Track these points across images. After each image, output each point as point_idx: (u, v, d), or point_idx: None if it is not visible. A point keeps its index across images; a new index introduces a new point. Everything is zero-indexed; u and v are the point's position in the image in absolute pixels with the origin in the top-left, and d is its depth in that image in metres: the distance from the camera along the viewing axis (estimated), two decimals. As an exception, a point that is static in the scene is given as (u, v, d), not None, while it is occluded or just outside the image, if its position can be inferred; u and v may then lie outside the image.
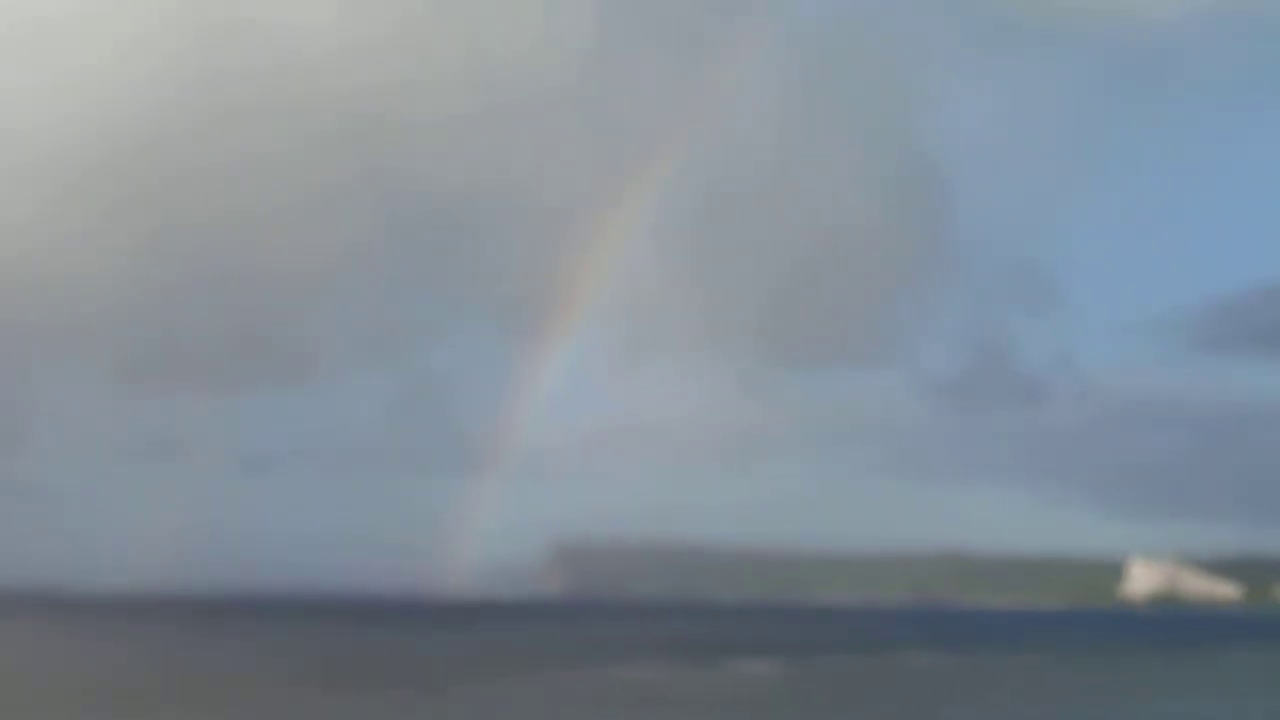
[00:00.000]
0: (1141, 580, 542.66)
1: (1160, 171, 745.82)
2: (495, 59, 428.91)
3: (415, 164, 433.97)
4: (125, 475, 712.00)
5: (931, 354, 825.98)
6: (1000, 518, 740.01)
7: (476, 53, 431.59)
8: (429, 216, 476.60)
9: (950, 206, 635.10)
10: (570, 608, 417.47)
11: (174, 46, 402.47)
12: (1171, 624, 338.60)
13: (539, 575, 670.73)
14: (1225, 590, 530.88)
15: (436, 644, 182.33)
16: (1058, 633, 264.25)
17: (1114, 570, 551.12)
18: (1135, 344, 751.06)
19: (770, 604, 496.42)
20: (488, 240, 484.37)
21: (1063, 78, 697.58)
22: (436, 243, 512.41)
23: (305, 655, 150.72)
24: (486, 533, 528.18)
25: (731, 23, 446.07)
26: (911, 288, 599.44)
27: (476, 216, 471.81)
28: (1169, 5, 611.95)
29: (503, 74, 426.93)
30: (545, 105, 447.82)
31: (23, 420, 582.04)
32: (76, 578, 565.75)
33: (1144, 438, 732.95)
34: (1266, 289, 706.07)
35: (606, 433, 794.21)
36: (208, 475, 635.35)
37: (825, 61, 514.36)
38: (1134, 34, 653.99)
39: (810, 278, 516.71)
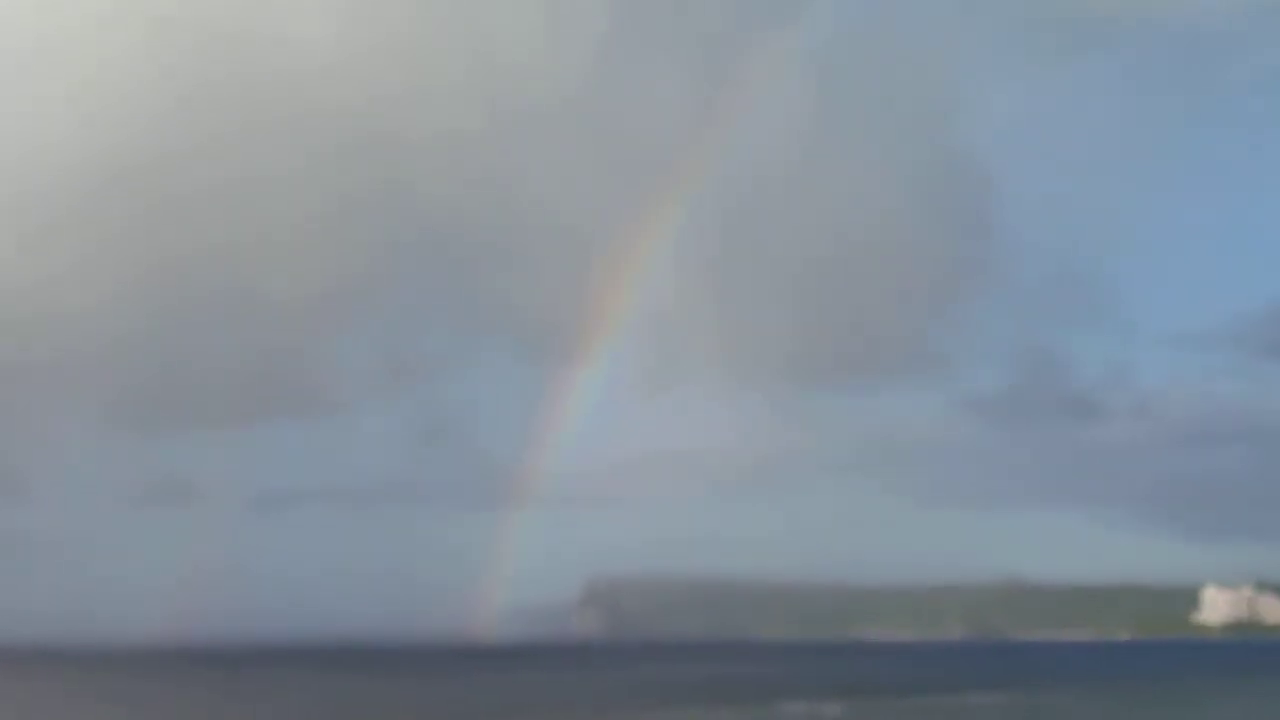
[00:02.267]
0: (1217, 607, 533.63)
1: (1217, 171, 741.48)
2: (501, 70, 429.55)
3: (422, 181, 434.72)
4: (131, 521, 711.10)
5: (976, 370, 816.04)
6: (1058, 543, 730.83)
7: (482, 65, 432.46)
8: (438, 237, 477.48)
9: (993, 213, 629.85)
10: (606, 649, 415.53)
11: (166, 61, 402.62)
12: (1253, 653, 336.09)
13: (572, 615, 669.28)
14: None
15: (465, 691, 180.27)
16: (1129, 666, 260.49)
17: (1186, 597, 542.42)
18: (1195, 355, 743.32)
19: (816, 641, 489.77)
20: (503, 262, 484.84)
21: (1110, 73, 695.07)
22: (448, 265, 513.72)
23: (326, 707, 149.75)
24: (514, 571, 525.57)
25: (754, 26, 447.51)
26: (953, 300, 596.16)
27: (490, 237, 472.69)
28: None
29: (510, 85, 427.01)
30: (555, 118, 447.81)
31: (21, 467, 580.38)
32: (84, 630, 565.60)
33: (1209, 454, 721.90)
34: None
35: (635, 463, 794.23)
36: (218, 517, 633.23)
37: (853, 64, 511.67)
38: (1186, 24, 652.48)
39: (843, 292, 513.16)
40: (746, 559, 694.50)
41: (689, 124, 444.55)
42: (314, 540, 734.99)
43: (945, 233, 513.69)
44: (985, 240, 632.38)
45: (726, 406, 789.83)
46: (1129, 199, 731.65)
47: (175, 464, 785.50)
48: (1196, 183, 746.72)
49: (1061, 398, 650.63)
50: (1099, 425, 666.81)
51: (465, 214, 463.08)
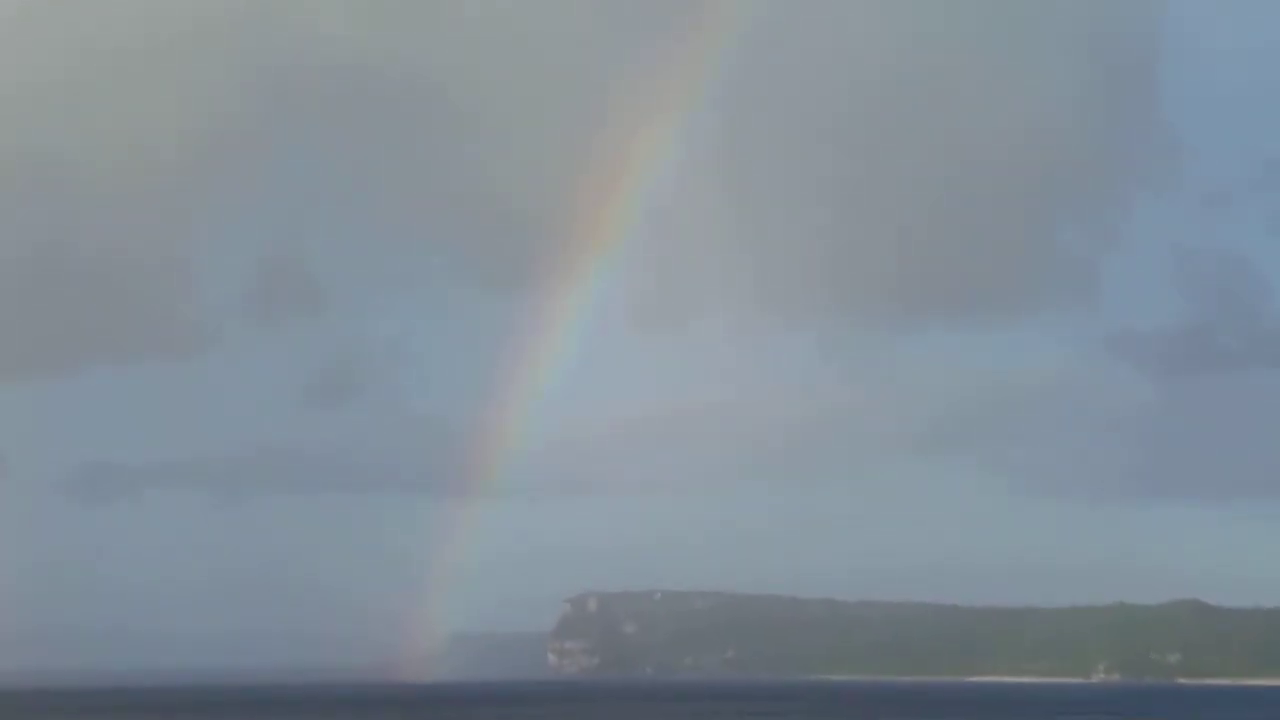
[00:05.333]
0: None
1: None
2: None
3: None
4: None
5: (1125, 296, 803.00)
6: (1253, 551, 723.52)
7: None
8: (335, 80, 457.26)
9: (1156, 64, 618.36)
10: (592, 693, 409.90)
11: None
12: None
13: (546, 647, 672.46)
14: None
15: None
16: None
17: None
18: None
19: (904, 687, 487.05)
20: (435, 122, 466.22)
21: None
22: (352, 126, 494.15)
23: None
24: (466, 585, 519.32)
25: None
26: (1096, 194, 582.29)
27: (416, 81, 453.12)
28: None
29: None
30: None
31: None
32: None
33: None
34: None
35: (633, 432, 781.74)
36: (22, 501, 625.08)
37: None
38: None
39: (938, 182, 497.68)
40: (797, 569, 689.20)
41: None
42: (166, 535, 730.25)
43: (1087, 89, 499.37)
44: (1149, 115, 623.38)
45: (760, 351, 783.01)
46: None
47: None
48: None
49: (1255, 339, 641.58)
50: None
51: (375, 46, 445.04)
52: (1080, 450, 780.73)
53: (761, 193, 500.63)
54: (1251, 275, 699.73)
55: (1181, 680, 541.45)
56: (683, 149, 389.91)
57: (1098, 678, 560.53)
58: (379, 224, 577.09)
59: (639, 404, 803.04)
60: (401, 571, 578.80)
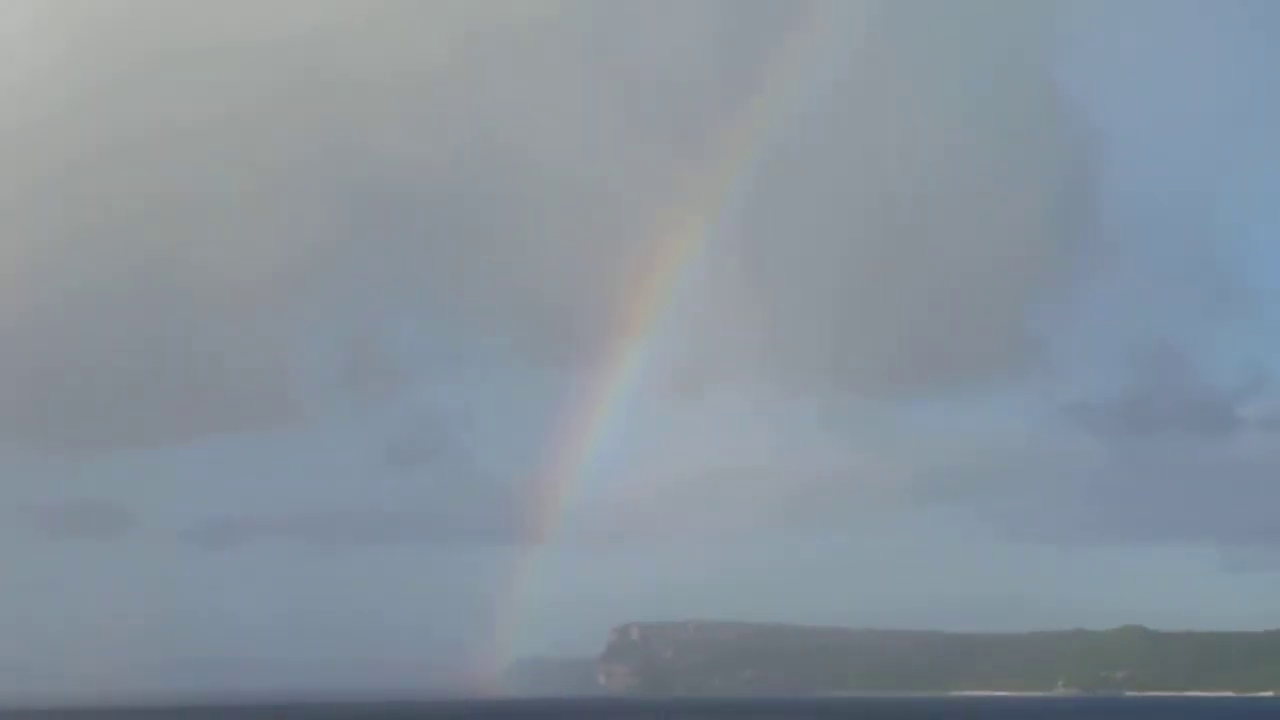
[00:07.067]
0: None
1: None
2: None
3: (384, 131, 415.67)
4: (44, 554, 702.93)
5: (1083, 373, 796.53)
6: (1187, 583, 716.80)
7: None
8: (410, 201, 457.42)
9: (1099, 179, 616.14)
10: (637, 710, 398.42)
11: None
12: None
13: (596, 669, 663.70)
14: None
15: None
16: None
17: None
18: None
19: (898, 702, 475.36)
20: (495, 234, 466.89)
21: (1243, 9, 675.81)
22: (424, 238, 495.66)
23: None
24: (526, 617, 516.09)
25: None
26: (1055, 286, 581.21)
27: (475, 201, 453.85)
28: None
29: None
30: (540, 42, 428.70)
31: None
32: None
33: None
34: None
35: (669, 488, 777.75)
36: (151, 551, 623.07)
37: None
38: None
39: (918, 276, 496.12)
40: (809, 603, 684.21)
41: (715, 58, 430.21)
42: (271, 578, 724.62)
43: (1043, 201, 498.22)
44: (1091, 213, 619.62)
45: (773, 419, 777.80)
46: (1266, 162, 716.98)
47: (99, 487, 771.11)
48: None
49: (1189, 406, 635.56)
50: (1236, 440, 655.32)
51: (438, 171, 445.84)
52: (1044, 502, 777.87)
53: (772, 285, 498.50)
54: (1181, 355, 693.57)
55: (1128, 693, 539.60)
56: (705, 249, 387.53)
57: (1058, 692, 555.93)
58: (446, 315, 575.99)
59: (670, 465, 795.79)
60: (472, 607, 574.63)
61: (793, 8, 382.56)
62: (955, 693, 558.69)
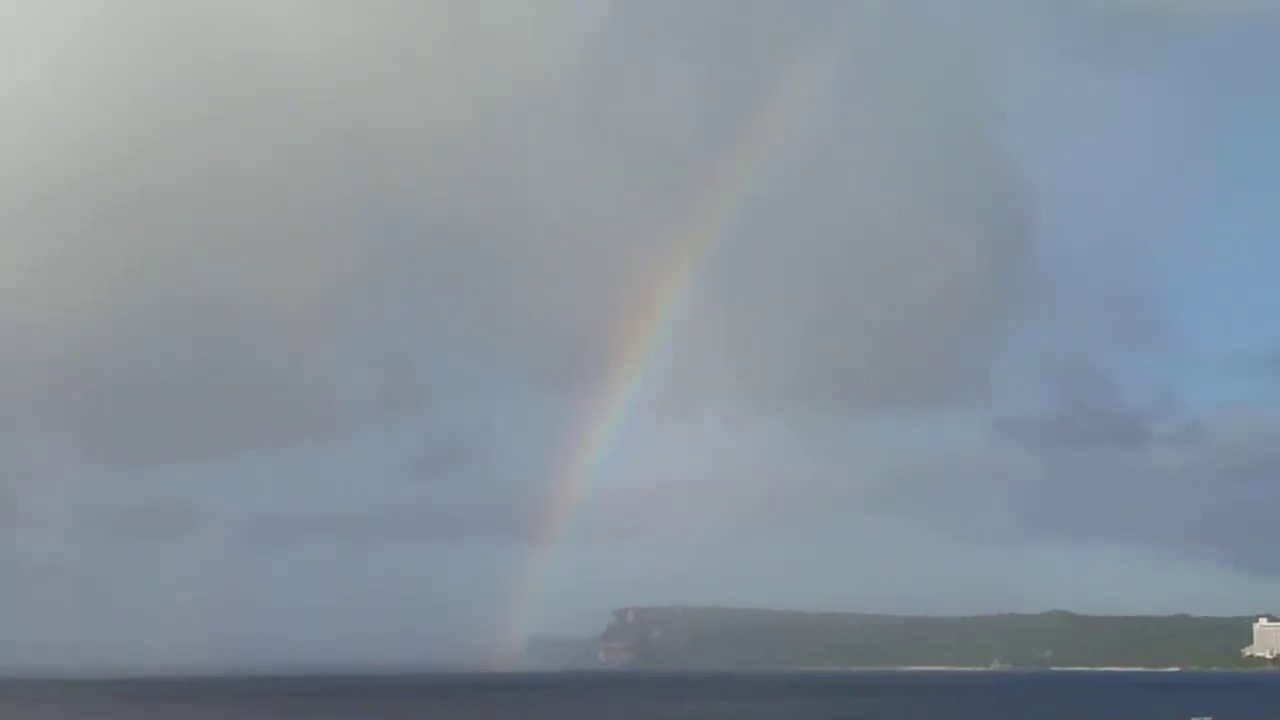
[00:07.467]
0: (1269, 641, 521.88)
1: (1271, 184, 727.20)
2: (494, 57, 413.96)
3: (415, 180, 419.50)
4: (124, 549, 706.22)
5: (1013, 393, 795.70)
6: (1105, 575, 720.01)
7: (473, 52, 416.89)
8: (436, 241, 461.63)
9: (1031, 227, 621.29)
10: (633, 682, 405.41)
11: (132, 47, 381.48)
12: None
13: (598, 648, 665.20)
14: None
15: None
16: (1178, 702, 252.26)
17: (1238, 630, 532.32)
18: (1250, 378, 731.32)
19: (856, 675, 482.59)
20: (507, 270, 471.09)
21: (1160, 79, 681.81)
22: (449, 274, 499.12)
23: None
24: (539, 604, 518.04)
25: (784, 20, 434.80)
26: (991, 317, 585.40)
27: (493, 244, 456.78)
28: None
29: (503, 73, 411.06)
30: (556, 106, 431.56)
31: (7, 493, 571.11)
32: (83, 660, 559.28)
33: (1263, 483, 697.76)
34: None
35: (659, 493, 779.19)
36: (215, 546, 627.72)
37: (885, 64, 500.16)
38: (1235, 28, 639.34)
39: (871, 309, 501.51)
40: (778, 590, 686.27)
41: (696, 123, 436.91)
42: (318, 570, 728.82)
43: (983, 246, 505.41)
44: (1025, 254, 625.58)
45: (749, 433, 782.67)
46: (1180, 214, 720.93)
47: (167, 492, 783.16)
48: (1253, 197, 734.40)
49: (1107, 423, 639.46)
50: (1148, 452, 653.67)
51: (461, 216, 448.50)
52: (982, 505, 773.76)
53: (748, 318, 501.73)
54: (1101, 379, 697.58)
55: (1054, 668, 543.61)
56: (689, 287, 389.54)
57: (994, 668, 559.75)
58: (467, 341, 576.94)
59: (660, 473, 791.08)
60: (490, 595, 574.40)
61: (770, 79, 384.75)
62: (905, 667, 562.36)
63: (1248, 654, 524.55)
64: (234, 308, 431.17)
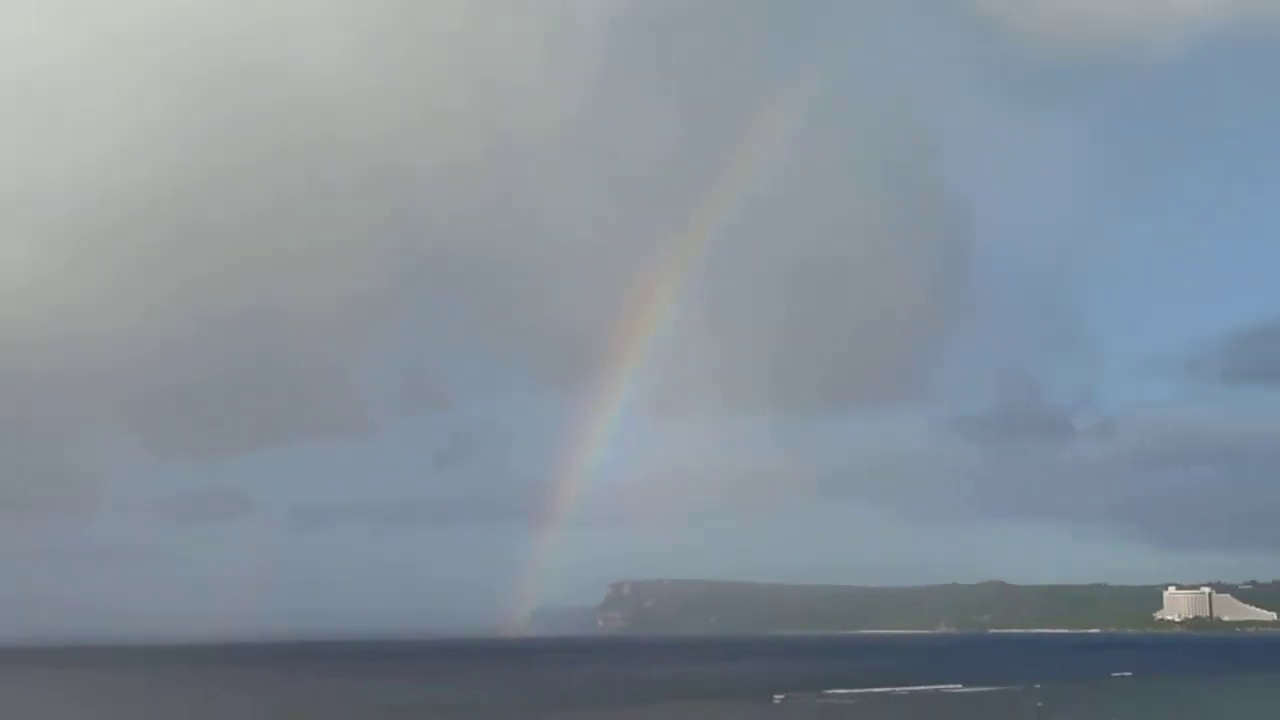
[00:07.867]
0: (1177, 606, 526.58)
1: (1178, 210, 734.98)
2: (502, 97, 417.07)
3: (433, 208, 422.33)
4: (190, 532, 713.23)
5: (956, 393, 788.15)
6: (1036, 550, 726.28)
7: (483, 93, 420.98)
8: (451, 262, 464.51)
9: (971, 248, 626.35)
10: (629, 645, 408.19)
11: (178, 94, 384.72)
12: (1207, 646, 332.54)
13: (597, 616, 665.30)
14: (1262, 615, 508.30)
15: (498, 683, 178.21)
16: (1105, 658, 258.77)
17: (1150, 597, 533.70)
18: (1159, 378, 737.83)
19: (823, 638, 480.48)
20: (516, 286, 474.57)
21: (1081, 120, 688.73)
22: (464, 289, 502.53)
23: (375, 695, 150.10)
24: (544, 578, 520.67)
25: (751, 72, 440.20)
26: (938, 330, 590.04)
27: (503, 264, 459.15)
28: (1175, 41, 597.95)
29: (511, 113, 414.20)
30: (558, 142, 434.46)
31: (90, 481, 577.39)
32: (155, 628, 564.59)
33: (1171, 471, 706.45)
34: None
35: (652, 481, 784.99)
36: (267, 529, 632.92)
37: (843, 108, 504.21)
38: (1147, 74, 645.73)
39: (832, 321, 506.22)
40: (756, 565, 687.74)
41: (680, 158, 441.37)
42: (352, 549, 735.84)
43: (929, 265, 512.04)
44: (967, 274, 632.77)
45: (730, 429, 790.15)
46: (1099, 236, 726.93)
47: (224, 480, 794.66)
48: (1161, 222, 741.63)
49: (1037, 419, 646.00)
50: (1072, 444, 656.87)
51: (476, 237, 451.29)
52: (929, 489, 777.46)
53: (731, 326, 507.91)
54: (1032, 381, 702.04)
55: (991, 631, 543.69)
56: (676, 301, 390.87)
57: (940, 630, 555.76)
58: (482, 347, 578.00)
59: (652, 464, 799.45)
60: (503, 570, 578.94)
61: (745, 120, 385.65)
62: (862, 631, 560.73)
63: (1159, 618, 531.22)
64: (280, 319, 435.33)
